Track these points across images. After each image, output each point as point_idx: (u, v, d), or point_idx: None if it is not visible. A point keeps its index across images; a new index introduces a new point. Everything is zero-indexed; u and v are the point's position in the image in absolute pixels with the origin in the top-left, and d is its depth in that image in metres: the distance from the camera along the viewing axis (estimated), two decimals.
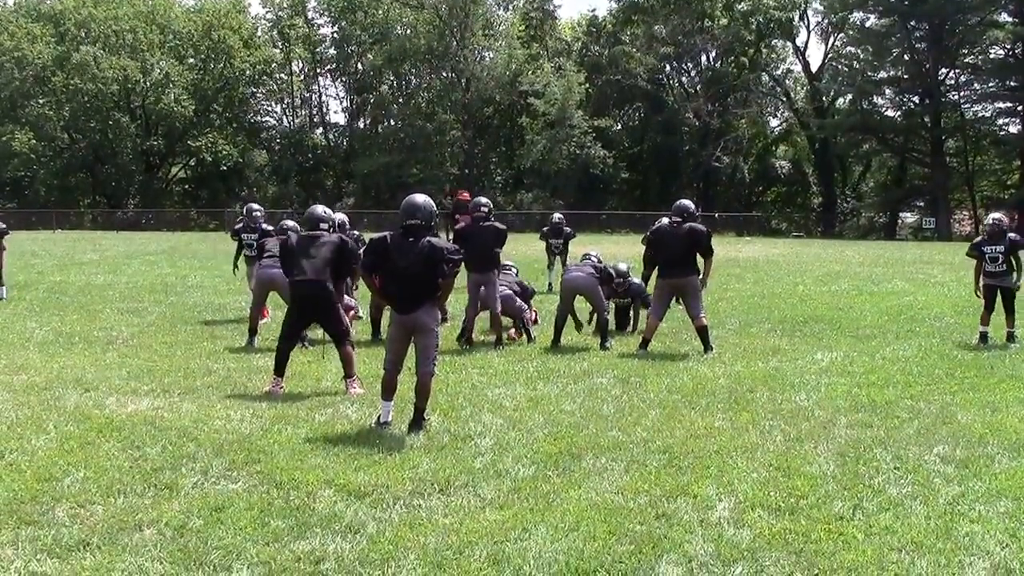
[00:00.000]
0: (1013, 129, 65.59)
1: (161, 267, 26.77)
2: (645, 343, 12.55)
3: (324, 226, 10.20)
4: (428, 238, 8.08)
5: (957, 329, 14.80)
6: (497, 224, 13.26)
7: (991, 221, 13.70)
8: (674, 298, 12.75)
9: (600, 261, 13.68)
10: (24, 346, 12.48)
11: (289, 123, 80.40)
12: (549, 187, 66.59)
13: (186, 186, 78.56)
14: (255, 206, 16.17)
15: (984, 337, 13.28)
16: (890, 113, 69.20)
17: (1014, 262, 13.29)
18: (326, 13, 76.78)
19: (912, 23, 63.73)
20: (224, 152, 72.16)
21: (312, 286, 9.70)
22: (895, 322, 15.68)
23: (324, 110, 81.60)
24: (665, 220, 12.81)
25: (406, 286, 8.08)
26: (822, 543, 5.58)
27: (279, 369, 9.68)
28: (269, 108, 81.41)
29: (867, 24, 67.45)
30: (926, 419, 8.59)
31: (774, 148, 78.10)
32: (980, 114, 67.15)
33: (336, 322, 9.93)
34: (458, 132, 70.86)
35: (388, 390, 8.20)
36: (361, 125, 79.43)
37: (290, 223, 13.70)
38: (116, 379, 10.18)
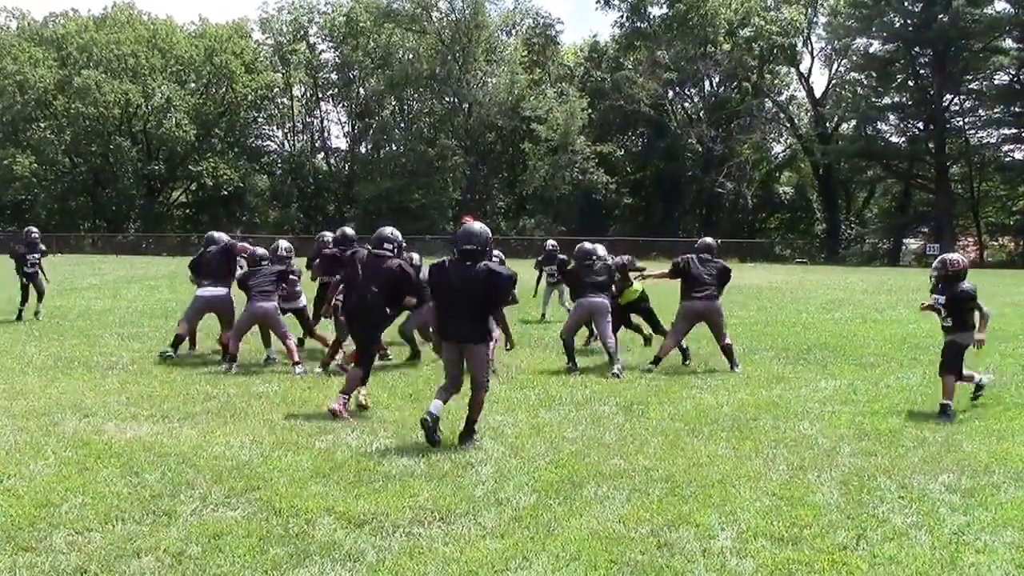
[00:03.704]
0: (1018, 155, 65.94)
1: (161, 292, 26.73)
2: (657, 360, 12.87)
3: (388, 247, 10.12)
4: (485, 263, 8.41)
5: None
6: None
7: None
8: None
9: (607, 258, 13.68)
10: (23, 371, 12.44)
11: (290, 148, 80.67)
12: (551, 213, 66.77)
13: (187, 210, 78.84)
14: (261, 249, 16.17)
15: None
16: (894, 139, 69.44)
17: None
18: (328, 38, 77.18)
19: (916, 49, 64.07)
20: (225, 176, 72.38)
21: (367, 304, 9.87)
22: (899, 350, 15.62)
23: (326, 135, 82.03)
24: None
25: (461, 309, 8.38)
26: (825, 573, 5.54)
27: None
28: (270, 133, 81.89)
29: (871, 50, 67.86)
30: (931, 448, 8.53)
31: (777, 174, 78.32)
32: (985, 140, 67.41)
33: (367, 340, 10.03)
34: (460, 157, 70.96)
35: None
36: (363, 150, 79.73)
37: (261, 251, 13.71)
38: (115, 404, 10.13)
